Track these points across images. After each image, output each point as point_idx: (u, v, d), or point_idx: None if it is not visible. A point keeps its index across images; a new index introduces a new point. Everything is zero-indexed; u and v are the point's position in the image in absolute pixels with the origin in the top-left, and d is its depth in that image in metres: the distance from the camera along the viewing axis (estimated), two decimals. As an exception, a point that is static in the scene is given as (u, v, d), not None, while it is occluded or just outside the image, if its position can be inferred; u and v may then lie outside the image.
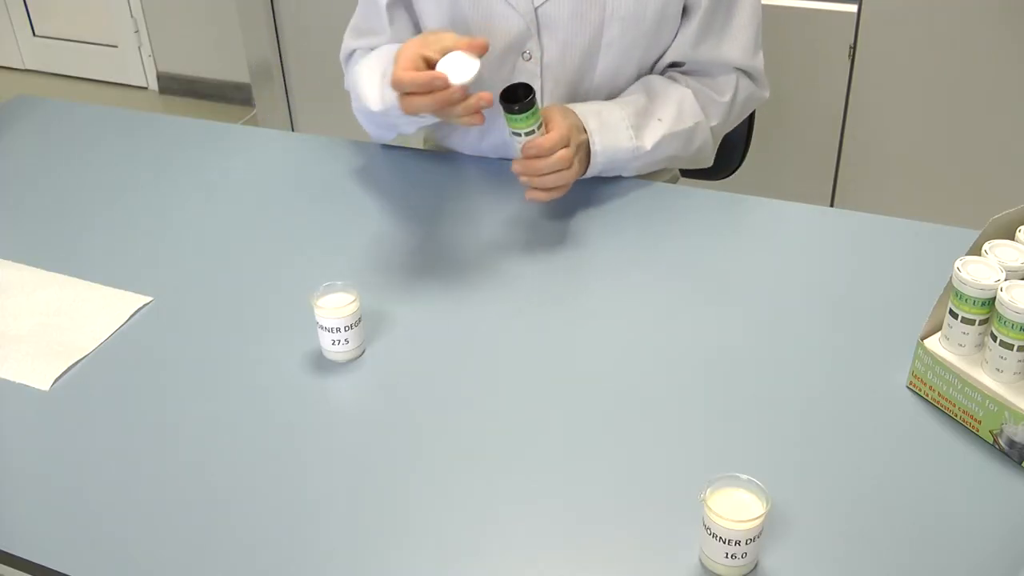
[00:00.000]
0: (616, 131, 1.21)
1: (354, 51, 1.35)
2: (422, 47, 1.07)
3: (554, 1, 1.21)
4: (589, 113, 1.20)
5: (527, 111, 1.11)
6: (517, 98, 1.11)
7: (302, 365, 1.00)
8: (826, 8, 2.12)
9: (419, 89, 1.04)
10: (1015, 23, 1.99)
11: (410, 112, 1.07)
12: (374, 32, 1.31)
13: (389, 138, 1.34)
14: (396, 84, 1.05)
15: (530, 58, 1.25)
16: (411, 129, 1.26)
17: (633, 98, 1.25)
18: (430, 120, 1.20)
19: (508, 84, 1.12)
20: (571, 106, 1.21)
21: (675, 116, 1.25)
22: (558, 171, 1.14)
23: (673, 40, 1.28)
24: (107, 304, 1.10)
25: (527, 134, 1.13)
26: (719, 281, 1.11)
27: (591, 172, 1.22)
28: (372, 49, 1.32)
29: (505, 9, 1.21)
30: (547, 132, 1.14)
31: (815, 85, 2.19)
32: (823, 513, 0.82)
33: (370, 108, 1.22)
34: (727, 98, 1.31)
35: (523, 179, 1.15)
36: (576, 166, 1.17)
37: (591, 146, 1.19)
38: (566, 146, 1.14)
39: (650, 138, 1.23)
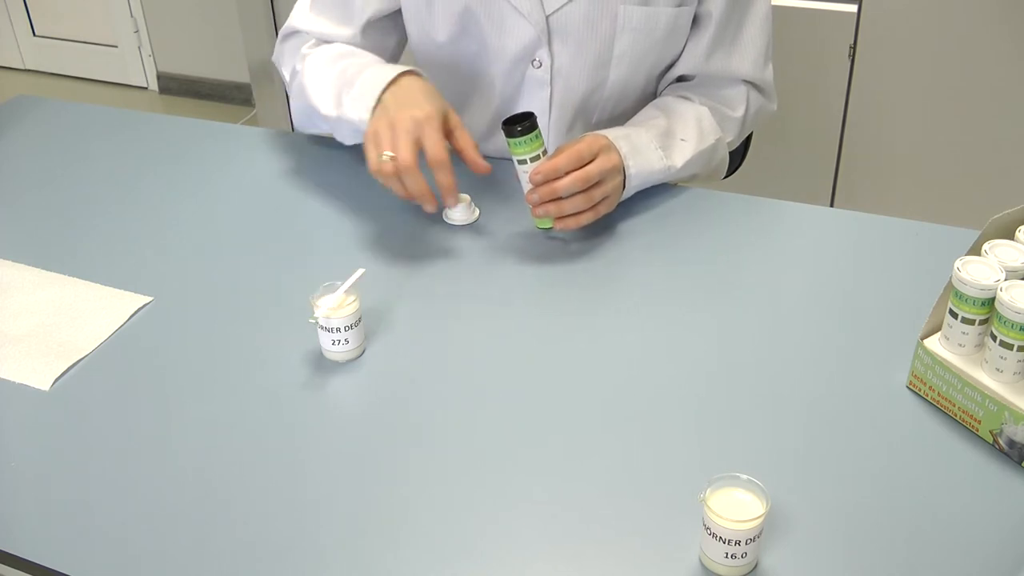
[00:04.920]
0: (646, 153, 1.19)
1: (298, 31, 1.33)
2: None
3: (566, 9, 1.20)
4: (619, 137, 1.18)
5: (528, 134, 1.10)
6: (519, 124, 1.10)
7: (302, 365, 1.00)
8: (826, 8, 2.12)
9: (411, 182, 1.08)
10: (1015, 23, 1.99)
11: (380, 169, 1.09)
12: (336, 22, 1.30)
13: (311, 131, 1.36)
14: (403, 164, 1.07)
15: (540, 65, 1.25)
16: (348, 141, 1.26)
17: (653, 121, 1.24)
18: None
19: (511, 114, 1.12)
20: (600, 132, 1.18)
21: (698, 135, 1.25)
22: (580, 192, 1.11)
23: (683, 51, 1.28)
24: (107, 304, 1.10)
25: (532, 160, 1.11)
26: (718, 281, 1.11)
27: (624, 195, 1.20)
28: (322, 39, 1.30)
29: (516, 17, 1.21)
30: (573, 142, 1.12)
31: (815, 85, 2.19)
32: (823, 513, 0.82)
33: (319, 110, 1.23)
34: (740, 113, 1.31)
35: (539, 210, 1.11)
36: (607, 186, 1.14)
37: (626, 169, 1.17)
38: (582, 166, 1.11)
39: (679, 157, 1.22)
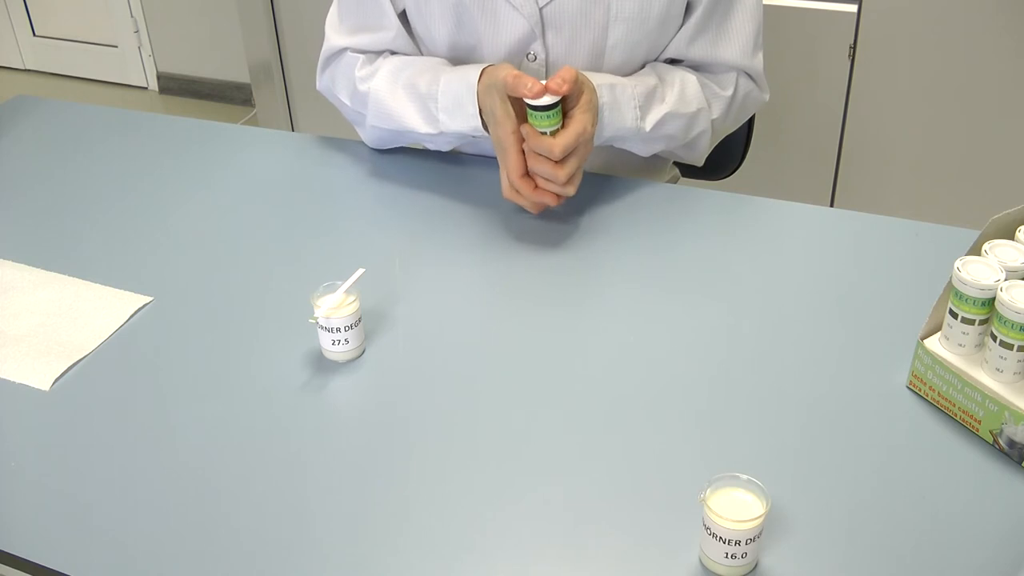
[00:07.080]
0: (624, 109, 1.21)
1: (344, 50, 1.33)
2: (506, 108, 1.14)
3: (559, 0, 1.21)
4: (604, 86, 1.19)
5: (552, 109, 1.10)
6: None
7: (302, 365, 1.00)
8: (826, 8, 2.12)
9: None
10: (1015, 23, 1.99)
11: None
12: (372, 29, 1.30)
13: (388, 147, 1.37)
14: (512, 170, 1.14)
15: (535, 59, 1.25)
16: (446, 148, 1.31)
17: (645, 79, 1.25)
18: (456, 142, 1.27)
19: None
20: (590, 76, 1.18)
21: (677, 98, 1.26)
22: (551, 184, 1.14)
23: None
24: (107, 304, 1.10)
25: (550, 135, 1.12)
26: (719, 281, 1.11)
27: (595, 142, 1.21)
28: (373, 50, 1.31)
29: (509, 11, 1.21)
30: (561, 134, 1.12)
31: (815, 85, 2.19)
32: (823, 513, 0.82)
33: (417, 130, 1.25)
34: (729, 92, 1.31)
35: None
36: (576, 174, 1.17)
37: (600, 119, 1.18)
38: (567, 160, 1.13)
39: (651, 119, 1.24)
